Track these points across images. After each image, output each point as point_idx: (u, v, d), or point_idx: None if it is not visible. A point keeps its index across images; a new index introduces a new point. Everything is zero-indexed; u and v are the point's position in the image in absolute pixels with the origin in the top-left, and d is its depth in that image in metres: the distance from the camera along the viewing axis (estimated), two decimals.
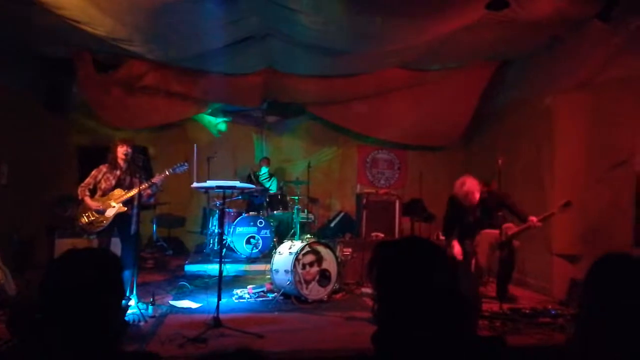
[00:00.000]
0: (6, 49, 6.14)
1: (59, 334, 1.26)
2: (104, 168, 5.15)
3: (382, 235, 7.15)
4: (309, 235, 6.07)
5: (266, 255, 6.99)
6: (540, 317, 4.65)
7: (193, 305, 5.12)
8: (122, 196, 5.05)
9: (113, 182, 5.11)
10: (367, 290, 5.76)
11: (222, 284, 4.54)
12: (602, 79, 5.51)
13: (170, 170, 5.16)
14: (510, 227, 5.09)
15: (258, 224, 7.30)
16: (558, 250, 5.87)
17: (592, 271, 1.44)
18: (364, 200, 7.64)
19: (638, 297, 1.30)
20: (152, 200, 6.32)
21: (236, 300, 5.38)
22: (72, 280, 1.32)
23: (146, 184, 5.02)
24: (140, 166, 5.20)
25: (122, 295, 1.41)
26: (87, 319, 1.29)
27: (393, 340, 1.32)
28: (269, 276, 5.84)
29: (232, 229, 7.19)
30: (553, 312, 4.79)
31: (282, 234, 7.50)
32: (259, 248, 7.19)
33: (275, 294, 5.49)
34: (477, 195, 5.14)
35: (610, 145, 5.47)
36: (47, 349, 1.26)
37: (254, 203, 7.97)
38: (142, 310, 4.53)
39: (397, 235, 7.56)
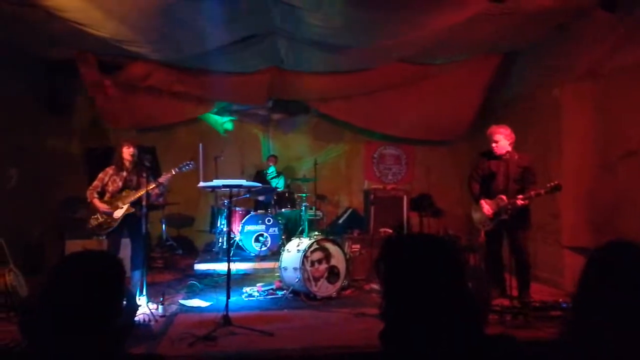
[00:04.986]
0: (9, 52, 6.17)
1: (64, 336, 1.27)
2: (110, 170, 5.18)
3: (391, 231, 7.12)
4: (317, 233, 6.06)
5: (275, 253, 7.02)
6: (551, 310, 4.61)
7: (203, 304, 5.14)
8: (129, 197, 5.08)
9: (120, 183, 5.13)
10: (376, 286, 5.74)
11: (231, 282, 4.56)
12: (608, 69, 5.44)
13: (177, 169, 5.18)
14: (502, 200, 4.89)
15: (266, 222, 7.32)
16: (568, 242, 5.82)
17: (594, 257, 1.39)
18: (372, 196, 7.62)
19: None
20: (160, 200, 6.35)
21: (245, 299, 5.40)
22: (73, 284, 1.33)
23: (153, 184, 5.05)
24: (148, 166, 5.22)
25: (124, 297, 1.42)
26: (89, 322, 1.29)
27: (400, 337, 1.31)
28: (277, 274, 5.86)
29: (240, 228, 7.21)
30: (564, 305, 4.72)
31: (290, 231, 7.51)
32: (268, 246, 7.21)
33: (285, 291, 5.50)
34: (501, 142, 4.82)
35: (619, 135, 5.40)
36: (54, 351, 1.27)
37: (262, 201, 7.98)
38: (152, 310, 4.57)
39: (405, 231, 7.53)
